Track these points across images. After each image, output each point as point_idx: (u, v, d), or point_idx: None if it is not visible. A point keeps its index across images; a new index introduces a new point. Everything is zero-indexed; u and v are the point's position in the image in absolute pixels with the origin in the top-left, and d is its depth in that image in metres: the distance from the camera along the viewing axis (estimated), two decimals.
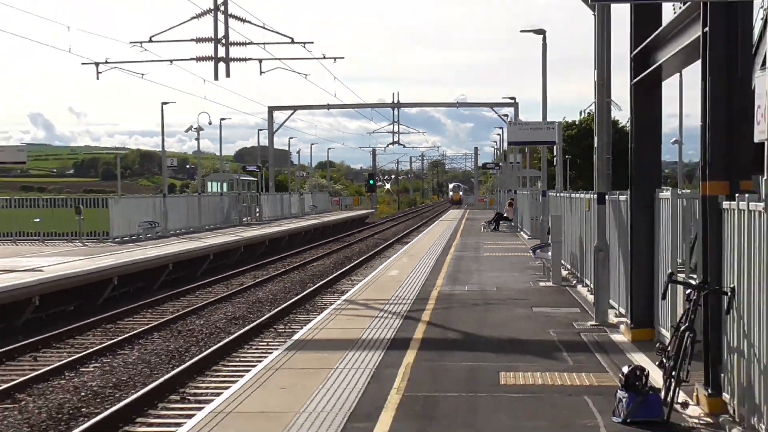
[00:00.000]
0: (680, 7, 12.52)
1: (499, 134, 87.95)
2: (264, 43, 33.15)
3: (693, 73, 13.08)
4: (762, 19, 10.20)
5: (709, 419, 9.92)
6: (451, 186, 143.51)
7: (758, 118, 9.29)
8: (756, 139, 9.46)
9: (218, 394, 12.43)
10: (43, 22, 74.12)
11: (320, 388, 11.75)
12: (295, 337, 16.77)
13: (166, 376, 15.99)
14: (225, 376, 16.35)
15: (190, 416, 11.72)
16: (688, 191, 13.39)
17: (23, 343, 19.79)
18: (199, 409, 11.85)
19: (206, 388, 15.61)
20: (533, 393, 11.50)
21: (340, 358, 13.89)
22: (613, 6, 17.78)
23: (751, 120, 9.81)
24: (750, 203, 9.10)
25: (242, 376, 13.51)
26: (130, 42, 32.00)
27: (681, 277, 11.65)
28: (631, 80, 15.79)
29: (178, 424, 11.39)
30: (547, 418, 10.22)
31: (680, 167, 30.89)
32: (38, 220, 48.08)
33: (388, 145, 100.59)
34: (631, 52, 15.72)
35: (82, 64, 40.45)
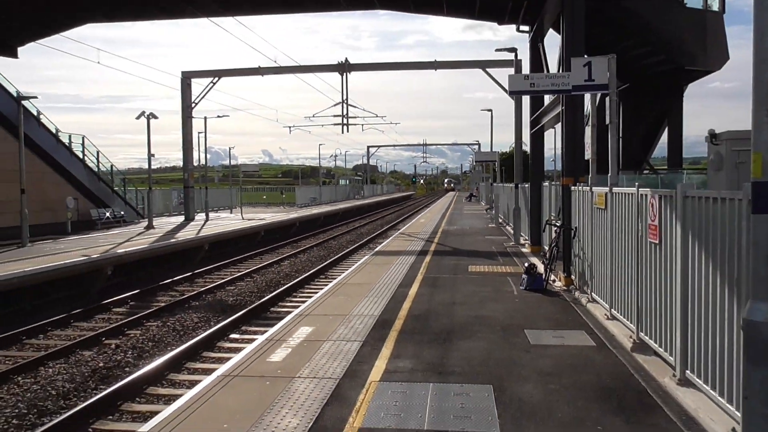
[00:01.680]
0: (550, 98, 12.27)
1: (472, 157, 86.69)
2: (364, 117, 33.28)
3: (558, 128, 12.80)
4: (589, 101, 10.01)
5: (565, 288, 9.79)
6: (446, 181, 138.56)
7: (586, 149, 9.14)
8: (585, 158, 9.30)
9: (340, 275, 12.60)
10: (266, 109, 74.14)
11: (386, 272, 11.85)
12: (376, 249, 16.86)
13: (318, 267, 16.23)
14: (344, 267, 16.56)
15: (327, 284, 11.92)
16: (556, 182, 13.14)
17: (254, 252, 20.23)
18: (332, 281, 12.04)
19: (336, 272, 15.82)
20: (484, 275, 11.44)
21: (395, 258, 13.97)
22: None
23: (582, 149, 9.63)
24: (583, 188, 8.95)
25: (351, 266, 13.66)
26: (305, 116, 32.66)
27: (553, 222, 11.47)
28: (530, 131, 15.50)
29: (324, 287, 11.60)
30: (490, 287, 10.16)
31: (555, 172, 30.28)
32: (265, 197, 49.45)
33: (420, 163, 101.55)
34: (530, 117, 15.43)
35: (284, 126, 42.26)
